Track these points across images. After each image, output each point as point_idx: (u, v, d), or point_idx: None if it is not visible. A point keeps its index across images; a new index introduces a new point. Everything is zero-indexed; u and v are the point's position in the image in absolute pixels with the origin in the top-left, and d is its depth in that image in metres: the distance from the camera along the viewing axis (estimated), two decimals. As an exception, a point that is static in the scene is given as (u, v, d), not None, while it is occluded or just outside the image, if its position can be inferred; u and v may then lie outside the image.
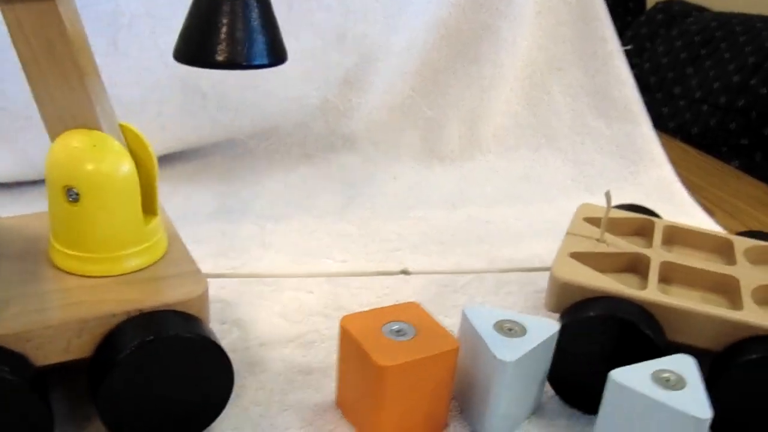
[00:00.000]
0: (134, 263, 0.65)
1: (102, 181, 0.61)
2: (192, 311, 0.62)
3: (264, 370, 0.71)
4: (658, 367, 0.60)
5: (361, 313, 0.64)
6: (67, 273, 0.64)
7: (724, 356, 0.65)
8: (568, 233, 0.79)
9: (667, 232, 0.83)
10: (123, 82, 1.04)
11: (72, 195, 0.61)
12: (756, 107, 2.08)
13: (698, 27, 2.31)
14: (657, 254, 0.76)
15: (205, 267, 0.85)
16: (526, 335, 0.62)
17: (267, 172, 1.16)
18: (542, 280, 0.77)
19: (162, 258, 0.67)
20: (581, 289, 0.67)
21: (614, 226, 0.83)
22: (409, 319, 0.63)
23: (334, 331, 0.76)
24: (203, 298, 0.64)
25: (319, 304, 0.82)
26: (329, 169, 1.18)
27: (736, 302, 0.70)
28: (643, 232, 0.85)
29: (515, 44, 1.29)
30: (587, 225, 0.82)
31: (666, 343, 0.65)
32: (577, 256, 0.73)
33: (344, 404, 0.66)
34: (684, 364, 0.61)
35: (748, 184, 1.39)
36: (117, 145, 0.62)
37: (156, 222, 0.67)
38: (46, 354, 0.57)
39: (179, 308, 0.61)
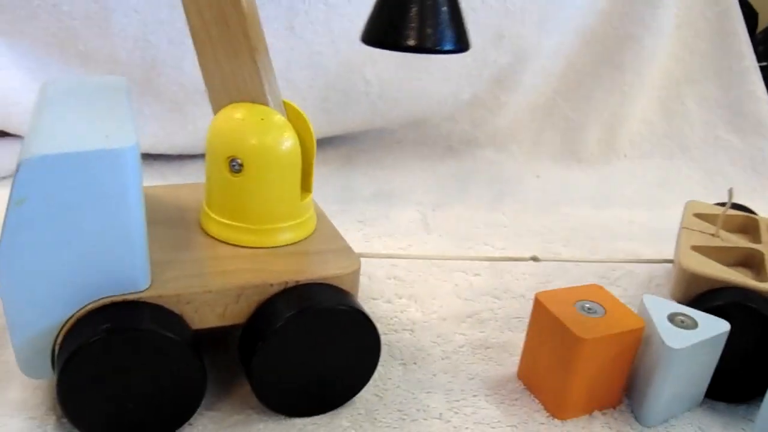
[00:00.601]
0: (288, 237, 0.66)
1: (267, 154, 0.63)
2: (345, 286, 0.63)
3: (447, 342, 0.76)
4: None
5: (552, 291, 0.69)
6: (221, 242, 0.66)
7: None
8: (684, 228, 0.83)
9: None
10: (296, 65, 1.11)
11: (235, 166, 0.63)
12: None
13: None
14: None
15: (375, 246, 0.92)
16: (696, 329, 0.65)
17: (416, 162, 1.22)
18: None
19: (313, 234, 0.69)
20: (708, 280, 0.70)
21: (716, 221, 0.86)
22: (596, 299, 0.68)
23: (507, 310, 0.82)
24: (356, 274, 0.64)
25: (488, 286, 0.87)
26: (475, 164, 1.24)
27: None
28: (746, 229, 0.89)
29: (655, 55, 1.33)
30: (698, 220, 0.86)
31: None
32: (697, 250, 0.77)
33: (527, 376, 0.71)
34: None
35: None
36: (282, 120, 0.64)
37: (310, 199, 0.70)
38: (203, 317, 0.59)
39: (334, 282, 0.63)
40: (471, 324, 0.79)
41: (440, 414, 0.66)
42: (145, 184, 0.60)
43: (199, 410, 0.61)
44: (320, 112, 1.15)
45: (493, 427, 0.65)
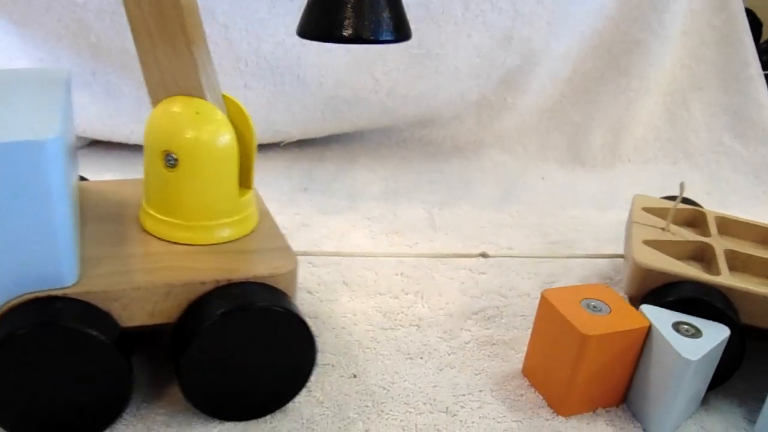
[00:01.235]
0: (225, 234, 0.65)
1: (201, 149, 0.61)
2: (280, 286, 0.61)
3: (454, 337, 0.77)
4: None
5: (559, 288, 0.70)
6: (158, 238, 0.64)
7: None
8: (634, 222, 0.83)
9: (717, 223, 0.87)
10: (306, 62, 1.12)
11: (170, 160, 0.61)
12: None
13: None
14: (718, 243, 0.81)
15: (382, 243, 0.93)
16: (703, 337, 0.65)
17: (423, 161, 1.23)
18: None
19: (252, 232, 0.67)
20: (663, 274, 0.71)
21: (666, 216, 0.86)
22: (603, 298, 0.69)
23: (513, 308, 0.83)
24: (292, 274, 0.62)
25: (494, 284, 0.88)
26: (481, 164, 1.25)
27: None
28: (694, 222, 0.90)
29: (662, 61, 1.34)
30: (647, 215, 0.86)
31: (739, 326, 0.69)
32: (649, 244, 0.77)
33: (532, 373, 0.72)
34: None
35: None
36: (220, 115, 0.62)
37: (250, 196, 0.67)
38: (132, 315, 0.58)
39: (269, 282, 0.61)
40: (477, 321, 0.80)
41: (446, 408, 0.67)
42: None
43: (135, 410, 0.61)
44: (329, 110, 1.16)
45: (498, 422, 0.66)
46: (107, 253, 0.61)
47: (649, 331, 0.66)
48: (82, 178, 0.78)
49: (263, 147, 1.19)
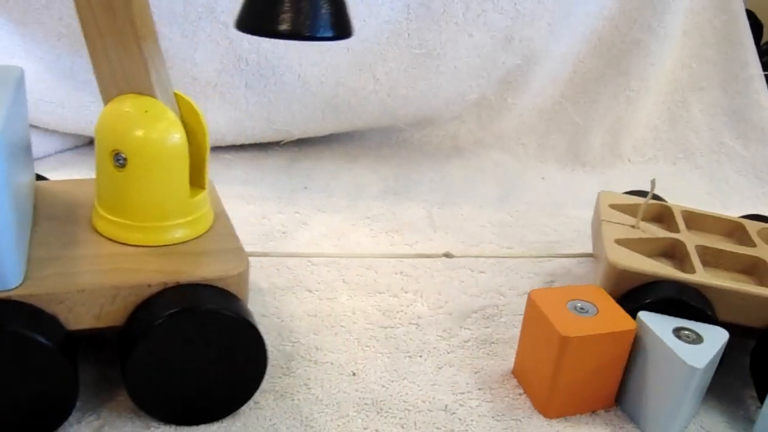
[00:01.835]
0: (176, 235, 0.63)
1: (150, 148, 0.60)
2: (230, 288, 0.60)
3: (453, 336, 0.77)
4: None
5: (548, 288, 0.71)
6: (108, 239, 0.63)
7: None
8: (603, 221, 0.82)
9: (684, 217, 0.87)
10: (307, 61, 1.12)
11: (119, 160, 0.60)
12: None
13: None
14: (689, 239, 0.80)
15: (381, 243, 0.93)
16: (704, 342, 0.64)
17: (423, 161, 1.23)
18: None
19: (206, 233, 0.66)
20: (639, 275, 0.70)
21: (634, 213, 0.85)
22: (592, 299, 0.68)
23: (513, 307, 0.83)
24: (243, 276, 0.61)
25: (494, 283, 0.88)
26: (481, 164, 1.25)
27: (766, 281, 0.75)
28: (661, 218, 0.89)
29: (662, 61, 1.34)
30: (615, 212, 0.85)
31: (717, 322, 0.68)
32: (621, 243, 0.76)
33: (521, 373, 0.72)
34: None
35: None
36: (170, 114, 0.61)
37: (203, 196, 0.66)
38: (78, 318, 0.56)
39: (218, 284, 0.60)
40: (476, 320, 0.80)
41: (446, 406, 0.67)
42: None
43: (81, 415, 0.61)
44: (330, 109, 1.16)
45: (497, 420, 0.66)
46: (56, 254, 0.60)
47: (640, 334, 0.66)
48: (41, 178, 0.77)
49: (263, 146, 1.19)
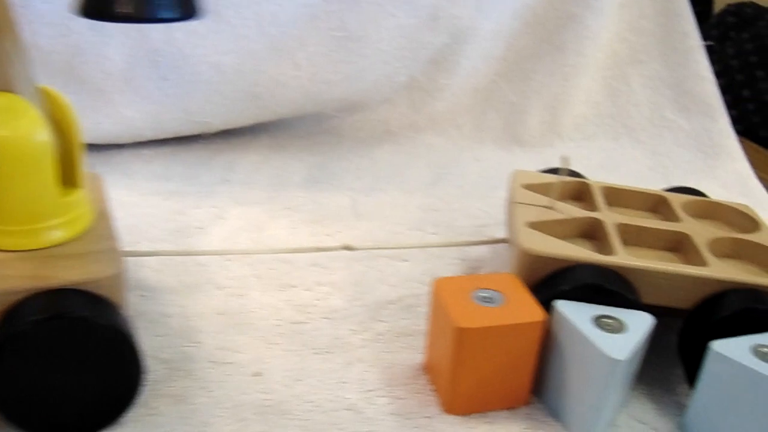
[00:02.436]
0: (49, 238, 0.59)
1: (11, 148, 0.56)
2: (102, 292, 0.56)
3: (367, 329, 0.73)
4: (758, 342, 0.60)
5: (455, 277, 0.66)
6: None
7: (699, 313, 0.65)
8: (515, 202, 0.77)
9: (605, 194, 0.82)
10: (223, 49, 1.07)
11: None
12: (825, 113, 2.06)
13: (769, 31, 2.29)
14: (608, 217, 0.75)
15: (300, 234, 0.89)
16: (627, 331, 0.60)
17: (353, 147, 1.19)
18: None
19: (84, 234, 0.61)
20: (553, 260, 0.65)
21: (550, 192, 0.80)
22: (502, 289, 0.63)
23: (433, 297, 0.78)
24: (117, 279, 0.57)
25: (415, 272, 0.84)
26: (414, 148, 1.21)
27: (695, 258, 0.70)
28: (580, 196, 0.84)
29: (599, 35, 1.30)
30: (529, 192, 0.79)
31: (641, 306, 0.64)
32: (535, 226, 0.70)
33: (429, 368, 0.68)
34: None
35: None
36: (32, 110, 0.57)
37: (78, 195, 0.62)
38: None
39: (89, 288, 0.56)
40: (394, 311, 0.77)
41: (352, 405, 0.63)
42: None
43: None
44: (250, 98, 1.11)
45: (407, 419, 0.62)
46: None
47: (556, 325, 0.62)
48: None
49: (184, 139, 1.14)
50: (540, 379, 0.65)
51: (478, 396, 0.62)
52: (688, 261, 0.71)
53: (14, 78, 0.56)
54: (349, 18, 1.11)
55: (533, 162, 1.19)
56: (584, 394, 0.60)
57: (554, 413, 0.64)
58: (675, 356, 0.68)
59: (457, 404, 0.63)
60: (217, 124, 1.13)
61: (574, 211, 0.76)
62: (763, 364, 0.58)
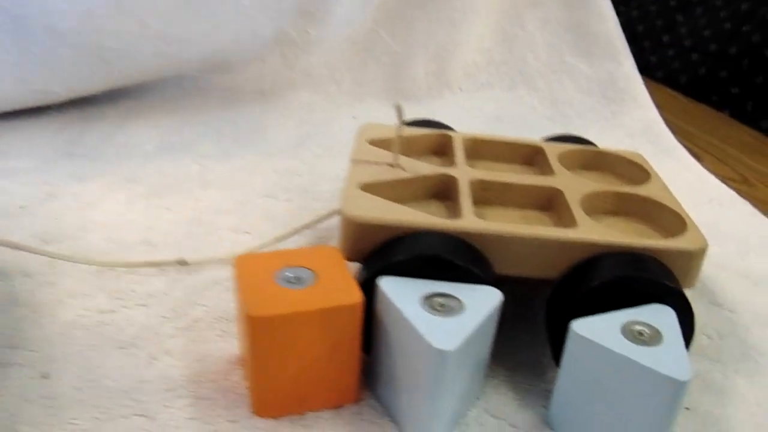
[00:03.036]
0: None
1: None
2: None
3: (181, 315, 0.63)
4: (629, 319, 0.51)
5: (261, 254, 0.55)
6: None
7: (565, 284, 0.56)
8: (352, 161, 0.65)
9: (469, 146, 0.72)
10: (56, 10, 0.96)
11: None
12: (748, 55, 1.99)
13: (689, -28, 2.22)
14: (464, 173, 0.64)
15: (134, 209, 0.78)
16: (464, 311, 0.49)
17: (219, 110, 1.08)
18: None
19: None
20: (383, 228, 0.54)
21: (408, 147, 0.71)
22: (315, 266, 0.53)
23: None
24: None
25: (255, 244, 0.74)
26: (287, 108, 1.10)
27: (565, 218, 0.60)
28: (444, 150, 0.74)
29: (489, -25, 1.20)
30: (374, 149, 0.68)
31: (495, 277, 0.54)
32: (370, 188, 0.60)
33: (242, 361, 0.57)
34: (661, 316, 0.52)
35: (740, 131, 1.30)
36: None
37: None
38: None
39: None
40: (219, 291, 0.67)
41: (148, 409, 0.53)
42: None
43: None
44: (96, 63, 1.00)
45: (208, 423, 0.52)
46: None
47: (381, 308, 0.52)
48: None
49: (27, 112, 1.02)
50: (373, 372, 0.55)
51: (294, 395, 0.52)
52: (561, 221, 0.62)
53: None
54: (198, -33, 1.00)
55: (420, 116, 1.09)
56: (415, 391, 0.50)
57: (389, 412, 0.54)
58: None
59: (267, 405, 0.53)
60: (64, 93, 1.02)
61: (421, 167, 0.66)
62: (634, 346, 0.48)
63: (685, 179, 0.98)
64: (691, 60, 2.09)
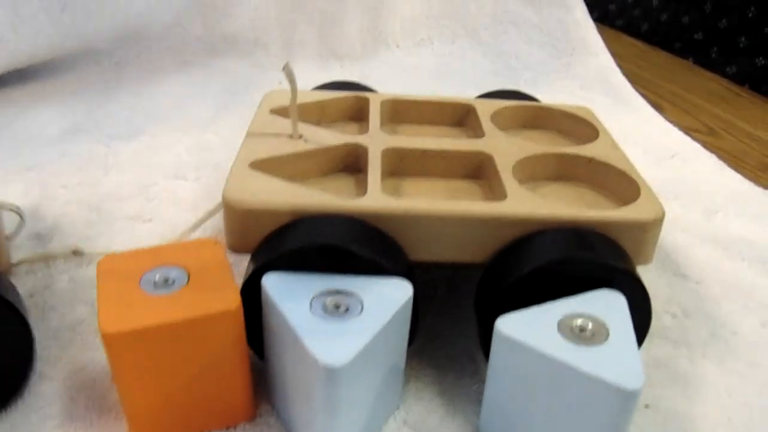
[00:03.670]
0: None
1: None
2: None
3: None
4: (568, 311, 0.42)
5: (128, 253, 0.46)
6: None
7: (493, 270, 0.48)
8: (248, 134, 0.57)
9: (388, 109, 0.64)
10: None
11: None
12: (710, -3, 1.92)
13: None
14: (377, 141, 0.56)
15: (30, 197, 0.70)
16: (362, 313, 0.41)
17: (134, 85, 0.99)
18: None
19: None
20: (271, 213, 0.46)
21: (321, 113, 0.63)
22: (190, 264, 0.44)
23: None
24: None
25: (158, 233, 0.66)
26: (210, 76, 1.02)
27: (496, 188, 0.52)
28: (360, 114, 0.65)
29: None
30: (276, 119, 0.60)
31: (409, 265, 0.47)
32: (263, 166, 0.52)
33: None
34: (608, 305, 0.43)
35: (704, 78, 1.22)
36: None
37: None
38: None
39: None
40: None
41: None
42: None
43: None
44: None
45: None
46: None
47: (267, 311, 0.43)
48: None
49: None
50: (269, 382, 0.47)
51: (173, 415, 0.44)
52: (492, 193, 0.53)
53: None
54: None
55: (355, 77, 1.02)
56: (309, 408, 0.42)
57: (288, 428, 0.46)
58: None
59: (145, 428, 0.45)
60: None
61: (326, 137, 0.57)
62: (572, 346, 0.40)
63: (645, 133, 0.91)
64: (651, 6, 2.02)
